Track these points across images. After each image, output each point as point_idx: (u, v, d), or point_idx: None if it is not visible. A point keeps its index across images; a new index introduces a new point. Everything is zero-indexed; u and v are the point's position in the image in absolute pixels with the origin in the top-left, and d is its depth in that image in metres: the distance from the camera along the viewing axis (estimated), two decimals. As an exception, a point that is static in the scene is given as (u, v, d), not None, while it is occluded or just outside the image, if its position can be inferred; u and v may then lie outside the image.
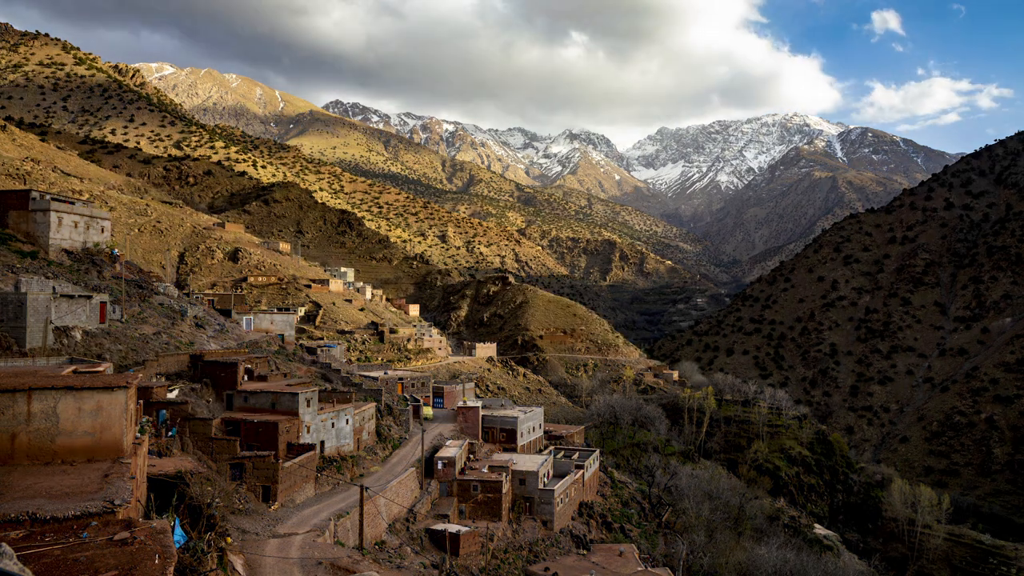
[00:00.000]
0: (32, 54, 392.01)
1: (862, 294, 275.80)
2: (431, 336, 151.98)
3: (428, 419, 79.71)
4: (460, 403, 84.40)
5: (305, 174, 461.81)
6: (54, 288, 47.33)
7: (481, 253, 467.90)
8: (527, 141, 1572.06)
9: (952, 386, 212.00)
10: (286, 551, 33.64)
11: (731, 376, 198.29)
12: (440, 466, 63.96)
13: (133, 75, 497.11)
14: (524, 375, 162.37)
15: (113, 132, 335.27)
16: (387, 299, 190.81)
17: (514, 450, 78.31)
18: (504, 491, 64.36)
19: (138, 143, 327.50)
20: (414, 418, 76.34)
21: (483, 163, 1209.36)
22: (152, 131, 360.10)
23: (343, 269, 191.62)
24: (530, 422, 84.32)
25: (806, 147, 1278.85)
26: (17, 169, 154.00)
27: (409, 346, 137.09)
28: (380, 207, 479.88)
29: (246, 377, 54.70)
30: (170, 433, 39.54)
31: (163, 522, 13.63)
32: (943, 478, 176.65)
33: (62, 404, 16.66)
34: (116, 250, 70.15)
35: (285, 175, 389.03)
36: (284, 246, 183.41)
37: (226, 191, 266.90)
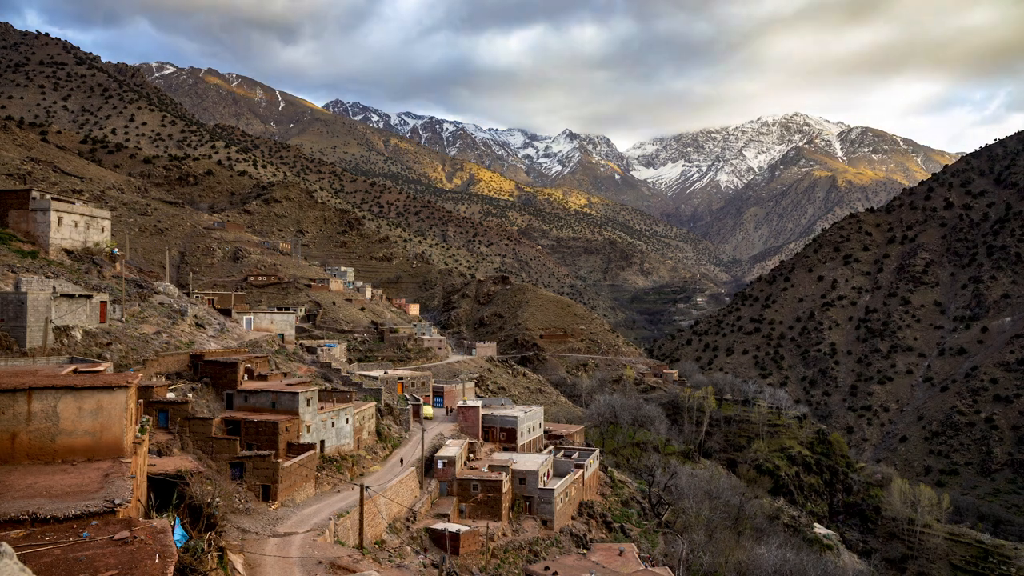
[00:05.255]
0: (33, 54, 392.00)
1: (862, 294, 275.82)
2: (431, 336, 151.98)
3: (428, 419, 79.67)
4: (460, 402, 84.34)
5: (305, 174, 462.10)
6: (54, 288, 47.34)
7: (481, 253, 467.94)
8: (527, 141, 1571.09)
9: (952, 386, 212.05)
10: (286, 550, 33.69)
11: (731, 376, 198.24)
12: (440, 465, 63.97)
13: (134, 75, 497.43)
14: (524, 375, 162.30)
15: (114, 132, 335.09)
16: (387, 299, 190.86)
17: (514, 449, 78.29)
18: (504, 490, 64.37)
19: (138, 143, 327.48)
20: (414, 418, 76.31)
21: (483, 163, 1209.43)
22: (153, 131, 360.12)
23: (343, 269, 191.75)
24: (530, 421, 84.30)
25: (806, 146, 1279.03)
26: (17, 169, 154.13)
27: (409, 346, 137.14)
28: (380, 207, 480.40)
29: (246, 377, 54.67)
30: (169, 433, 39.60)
31: (163, 521, 13.67)
32: (943, 478, 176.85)
33: (62, 404, 16.69)
34: (116, 250, 70.20)
35: (285, 175, 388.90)
36: (284, 246, 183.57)
37: (226, 191, 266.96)
